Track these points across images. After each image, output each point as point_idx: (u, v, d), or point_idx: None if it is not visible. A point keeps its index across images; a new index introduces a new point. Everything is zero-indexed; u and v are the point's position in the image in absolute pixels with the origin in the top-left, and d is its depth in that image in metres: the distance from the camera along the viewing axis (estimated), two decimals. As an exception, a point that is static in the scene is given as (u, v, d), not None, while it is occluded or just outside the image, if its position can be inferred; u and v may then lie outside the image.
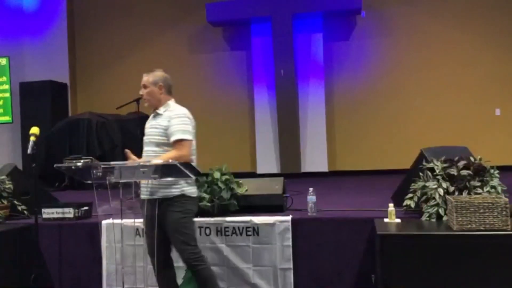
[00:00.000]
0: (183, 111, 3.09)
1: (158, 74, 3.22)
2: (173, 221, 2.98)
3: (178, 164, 2.67)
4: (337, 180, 7.06)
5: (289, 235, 3.38)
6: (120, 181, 2.91)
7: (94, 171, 2.75)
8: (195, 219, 3.48)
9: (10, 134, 7.95)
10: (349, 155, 7.93)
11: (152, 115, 3.16)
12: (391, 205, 3.20)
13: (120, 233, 3.48)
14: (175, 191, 2.99)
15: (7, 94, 6.22)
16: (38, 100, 7.96)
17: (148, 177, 2.84)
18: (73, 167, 2.77)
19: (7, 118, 6.25)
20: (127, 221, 3.49)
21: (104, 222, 3.62)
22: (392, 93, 7.86)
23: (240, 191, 3.62)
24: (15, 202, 4.00)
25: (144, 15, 8.81)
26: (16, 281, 3.52)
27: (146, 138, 3.12)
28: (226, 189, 3.55)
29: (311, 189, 3.57)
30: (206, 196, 3.52)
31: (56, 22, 8.97)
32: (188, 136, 2.99)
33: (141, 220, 3.48)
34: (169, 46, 8.71)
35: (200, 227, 3.47)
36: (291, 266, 3.36)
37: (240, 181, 3.69)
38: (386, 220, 3.15)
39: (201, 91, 8.54)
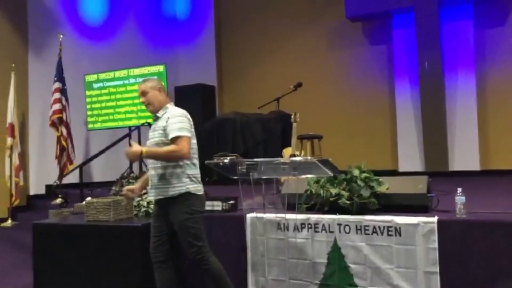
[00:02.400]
0: (181, 111, 3.25)
1: (153, 79, 3.47)
2: (179, 221, 3.15)
3: (316, 161, 2.70)
4: (490, 180, 6.43)
5: (435, 237, 3.19)
6: (262, 177, 3.06)
7: (239, 167, 2.93)
8: (334, 216, 3.51)
9: (167, 133, 8.83)
10: (505, 153, 7.17)
11: (153, 120, 3.35)
12: (556, 209, 2.83)
13: (263, 227, 3.67)
14: (179, 189, 3.16)
15: (165, 98, 6.92)
16: (190, 102, 8.70)
17: (288, 174, 2.94)
18: (220, 163, 2.98)
19: (165, 119, 6.94)
20: (269, 216, 3.67)
21: (248, 215, 3.82)
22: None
23: (381, 189, 3.53)
24: (172, 194, 4.43)
25: (284, 14, 9.06)
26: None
27: (149, 142, 3.31)
28: (366, 187, 3.49)
29: (459, 189, 3.33)
30: (345, 193, 3.50)
31: (205, 30, 9.72)
32: (186, 133, 3.13)
33: (283, 215, 3.61)
34: (308, 43, 8.82)
35: (339, 225, 3.47)
36: (438, 270, 3.17)
37: (380, 179, 3.59)
38: (550, 225, 2.80)
39: (341, 87, 8.50)
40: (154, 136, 3.28)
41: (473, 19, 7.34)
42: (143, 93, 3.32)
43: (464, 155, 7.25)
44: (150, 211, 4.09)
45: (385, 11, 7.78)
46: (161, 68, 6.94)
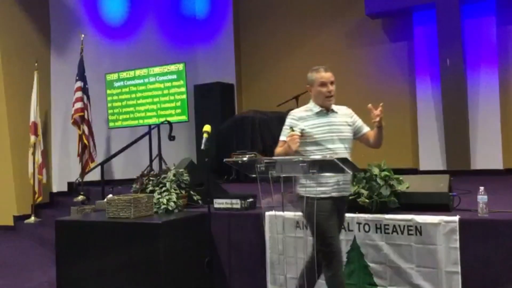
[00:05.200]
0: None
1: None
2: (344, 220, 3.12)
3: (335, 160, 2.68)
4: (514, 179, 6.31)
5: (456, 236, 3.15)
6: (281, 175, 3.05)
7: (258, 166, 2.91)
8: (353, 215, 3.49)
9: (187, 132, 8.90)
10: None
11: (321, 112, 3.02)
12: None
13: (282, 225, 3.67)
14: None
15: (184, 96, 6.95)
16: (209, 100, 8.75)
17: (307, 172, 2.91)
18: (239, 161, 2.98)
19: (184, 118, 6.97)
20: (288, 214, 3.66)
21: (267, 213, 3.83)
22: None
23: (401, 188, 3.50)
24: (191, 192, 4.46)
25: (303, 13, 9.02)
26: (192, 263, 3.94)
27: (334, 135, 2.97)
28: (385, 186, 3.46)
29: (481, 188, 3.28)
30: (364, 192, 3.48)
31: (223, 28, 9.75)
32: None
33: (301, 213, 3.58)
34: (328, 41, 8.77)
35: (359, 223, 3.46)
36: (459, 270, 3.13)
37: (401, 178, 3.56)
38: None
39: (360, 85, 8.41)
40: (340, 130, 3.00)
41: (496, 15, 7.20)
42: (332, 83, 3.06)
43: (487, 154, 7.13)
44: (170, 208, 4.11)
45: (405, 7, 7.69)
46: (180, 66, 6.97)
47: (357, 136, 3.09)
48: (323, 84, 3.02)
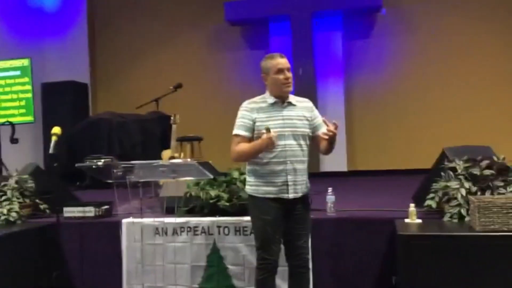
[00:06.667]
0: None
1: None
2: (309, 220, 2.94)
3: (196, 164, 2.67)
4: (356, 180, 6.99)
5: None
6: (140, 180, 2.94)
7: (115, 171, 2.78)
8: (214, 218, 3.51)
9: (33, 134, 8.08)
10: (369, 155, 7.86)
11: (276, 103, 2.84)
12: (412, 205, 3.15)
13: (140, 232, 3.53)
14: (309, 185, 2.96)
15: (29, 95, 6.33)
16: (60, 100, 8.09)
17: (167, 176, 2.86)
18: (93, 166, 2.81)
19: (29, 119, 6.35)
20: (147, 220, 3.54)
21: (124, 221, 3.65)
22: (413, 91, 7.75)
23: (259, 190, 3.60)
24: (37, 201, 4.06)
25: (163, 15, 8.88)
26: (38, 279, 3.58)
27: (286, 130, 2.76)
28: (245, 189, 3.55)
29: (330, 188, 3.55)
30: (225, 195, 3.53)
31: (76, 23, 9.09)
32: None
33: (161, 219, 3.50)
34: (187, 46, 8.75)
35: (219, 227, 3.48)
36: (310, 267, 3.33)
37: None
38: (406, 220, 3.11)
39: (220, 89, 8.57)
40: (295, 125, 2.77)
41: (343, 30, 7.92)
42: (289, 69, 2.81)
43: (333, 157, 7.72)
44: (11, 219, 3.71)
45: (262, 17, 8.05)
46: (25, 62, 6.36)
47: (312, 135, 2.89)
48: (280, 70, 2.79)
